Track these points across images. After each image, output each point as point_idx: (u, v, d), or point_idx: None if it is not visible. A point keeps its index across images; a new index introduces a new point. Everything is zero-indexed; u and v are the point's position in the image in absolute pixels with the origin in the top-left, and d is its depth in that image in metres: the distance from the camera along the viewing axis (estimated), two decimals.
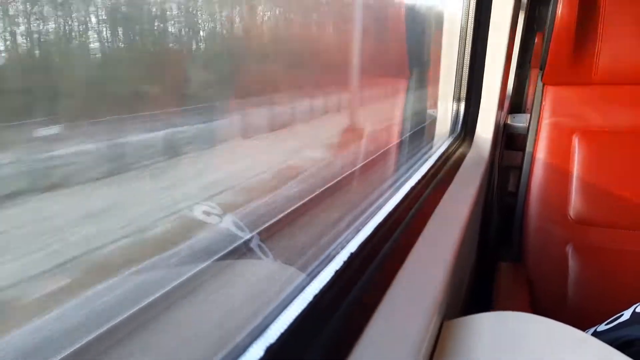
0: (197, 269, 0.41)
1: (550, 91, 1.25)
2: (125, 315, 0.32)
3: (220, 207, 0.50)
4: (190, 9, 0.46)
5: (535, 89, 1.29)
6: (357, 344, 0.35)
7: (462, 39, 1.18)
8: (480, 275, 1.23)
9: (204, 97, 0.49)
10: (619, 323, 0.66)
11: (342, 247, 0.45)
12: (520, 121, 1.63)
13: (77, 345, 0.29)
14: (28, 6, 0.29)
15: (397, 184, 0.72)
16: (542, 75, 1.25)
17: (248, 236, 0.52)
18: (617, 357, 0.49)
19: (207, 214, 0.54)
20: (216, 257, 0.44)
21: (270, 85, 0.61)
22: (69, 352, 0.29)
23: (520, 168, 1.27)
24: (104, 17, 0.34)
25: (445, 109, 1.24)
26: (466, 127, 1.23)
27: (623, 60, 1.15)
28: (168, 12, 0.42)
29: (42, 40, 0.30)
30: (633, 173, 1.11)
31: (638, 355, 0.48)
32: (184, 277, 0.39)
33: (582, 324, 0.59)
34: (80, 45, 0.34)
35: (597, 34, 1.15)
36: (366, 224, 0.53)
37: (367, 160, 0.83)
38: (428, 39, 1.23)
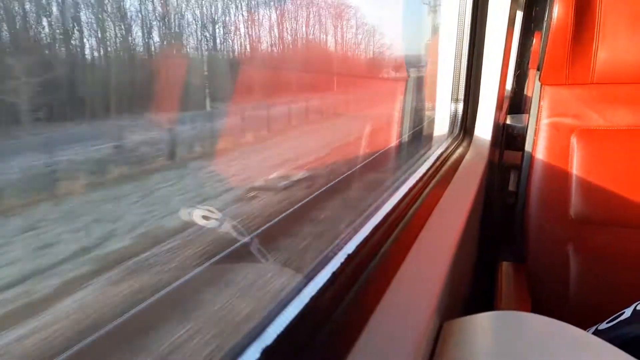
0: (196, 271, 0.41)
1: (548, 91, 1.25)
2: (125, 318, 0.32)
3: None
4: None
5: (534, 89, 1.29)
6: (354, 346, 0.35)
7: (460, 39, 1.18)
8: (481, 275, 1.22)
9: None
10: (620, 321, 0.66)
11: (340, 249, 0.45)
12: (519, 121, 1.63)
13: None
14: None
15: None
16: (540, 76, 1.25)
17: (247, 239, 0.53)
18: (618, 355, 0.49)
19: (207, 218, 0.54)
20: (214, 260, 0.44)
21: None
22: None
23: (520, 168, 1.27)
24: None
25: (444, 110, 1.24)
26: (465, 127, 1.23)
27: (620, 59, 1.15)
28: None
29: None
30: (632, 171, 1.11)
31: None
32: (182, 280, 0.39)
33: (583, 323, 0.59)
34: None
35: (594, 33, 1.15)
36: (364, 225, 0.52)
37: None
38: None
